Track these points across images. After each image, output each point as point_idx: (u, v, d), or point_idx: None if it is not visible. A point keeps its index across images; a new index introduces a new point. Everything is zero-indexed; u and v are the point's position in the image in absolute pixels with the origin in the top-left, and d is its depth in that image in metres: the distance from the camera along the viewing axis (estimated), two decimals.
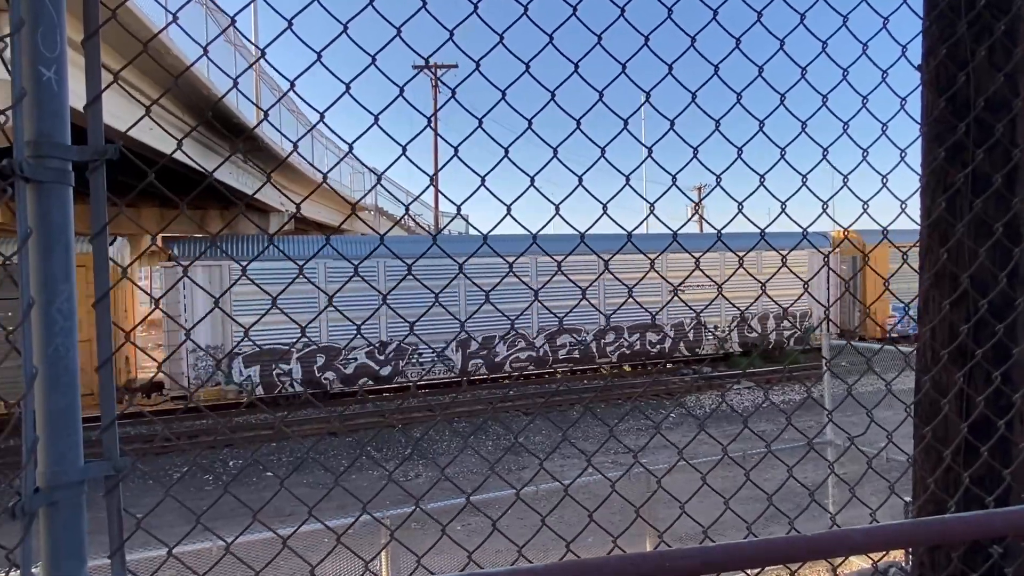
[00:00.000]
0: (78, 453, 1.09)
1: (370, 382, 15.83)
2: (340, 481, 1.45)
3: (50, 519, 1.07)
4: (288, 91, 1.25)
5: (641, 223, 1.69)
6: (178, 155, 11.33)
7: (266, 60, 1.26)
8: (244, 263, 1.34)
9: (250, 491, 10.32)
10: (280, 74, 1.32)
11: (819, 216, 1.69)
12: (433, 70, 28.40)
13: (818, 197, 1.65)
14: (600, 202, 1.45)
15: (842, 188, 1.62)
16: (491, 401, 15.39)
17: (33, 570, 1.06)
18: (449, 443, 13.04)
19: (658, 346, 18.52)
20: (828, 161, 1.60)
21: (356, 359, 15.80)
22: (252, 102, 14.71)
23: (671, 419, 14.09)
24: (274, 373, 15.02)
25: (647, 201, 1.49)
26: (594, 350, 17.80)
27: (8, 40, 1.07)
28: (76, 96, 1.11)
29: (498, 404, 15.09)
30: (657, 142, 1.48)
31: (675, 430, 13.06)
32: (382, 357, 16.04)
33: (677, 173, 1.49)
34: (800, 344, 20.29)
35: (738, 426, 12.80)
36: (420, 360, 16.30)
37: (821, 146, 1.57)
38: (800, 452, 2.03)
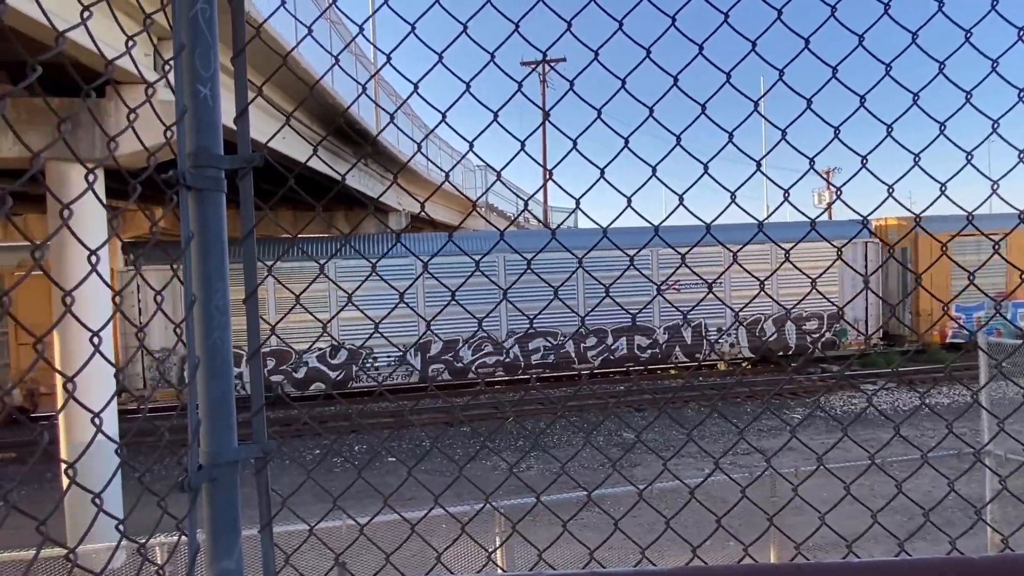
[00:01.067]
0: (233, 436, 1.20)
1: (322, 387, 15.11)
2: (458, 470, 1.49)
3: (211, 494, 1.18)
4: (412, 93, 1.29)
5: (776, 209, 1.58)
6: (310, 161, 12.20)
7: (391, 65, 1.31)
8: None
9: (373, 475, 10.96)
10: (404, 76, 1.38)
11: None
12: (543, 65, 28.53)
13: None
14: (728, 191, 1.37)
15: (965, 166, 1.41)
16: (603, 396, 15.23)
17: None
18: (560, 436, 13.08)
19: (649, 351, 16.86)
20: (946, 136, 1.41)
21: (308, 363, 15.12)
22: (378, 104, 15.51)
23: (796, 420, 13.24)
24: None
25: (780, 188, 1.39)
26: (573, 355, 16.46)
27: (172, 63, 1.19)
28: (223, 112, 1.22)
29: (621, 399, 14.74)
30: (792, 123, 1.38)
31: (801, 432, 12.27)
32: (334, 361, 15.27)
33: (815, 156, 1.37)
34: (830, 349, 17.57)
35: (871, 430, 11.78)
36: (376, 365, 15.42)
37: (938, 122, 1.39)
38: (949, 461, 1.82)
